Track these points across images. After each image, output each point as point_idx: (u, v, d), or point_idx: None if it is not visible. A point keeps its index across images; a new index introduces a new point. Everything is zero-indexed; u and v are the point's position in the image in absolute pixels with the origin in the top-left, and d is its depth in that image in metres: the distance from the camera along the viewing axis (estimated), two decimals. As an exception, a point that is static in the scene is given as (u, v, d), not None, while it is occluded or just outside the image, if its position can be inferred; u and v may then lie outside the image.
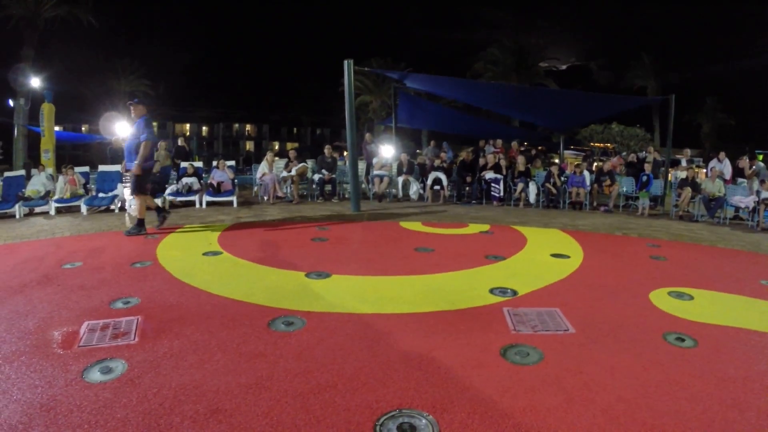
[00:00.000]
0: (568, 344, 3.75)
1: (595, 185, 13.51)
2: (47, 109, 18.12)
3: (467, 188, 14.46)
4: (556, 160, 19.72)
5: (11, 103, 28.41)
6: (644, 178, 13.30)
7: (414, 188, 14.63)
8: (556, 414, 2.78)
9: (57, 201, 12.15)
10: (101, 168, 14.23)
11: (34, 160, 23.38)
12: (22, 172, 15.47)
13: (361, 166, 15.10)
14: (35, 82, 25.37)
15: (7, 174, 13.94)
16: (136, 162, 8.30)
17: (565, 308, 4.54)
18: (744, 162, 13.86)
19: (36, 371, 3.37)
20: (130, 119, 8.61)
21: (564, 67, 45.82)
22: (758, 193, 11.46)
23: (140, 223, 8.57)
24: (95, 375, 3.28)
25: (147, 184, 8.74)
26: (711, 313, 4.69)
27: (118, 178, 13.47)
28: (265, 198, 13.82)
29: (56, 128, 20.28)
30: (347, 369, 3.30)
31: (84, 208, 11.98)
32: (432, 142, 19.46)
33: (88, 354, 3.61)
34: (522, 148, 18.51)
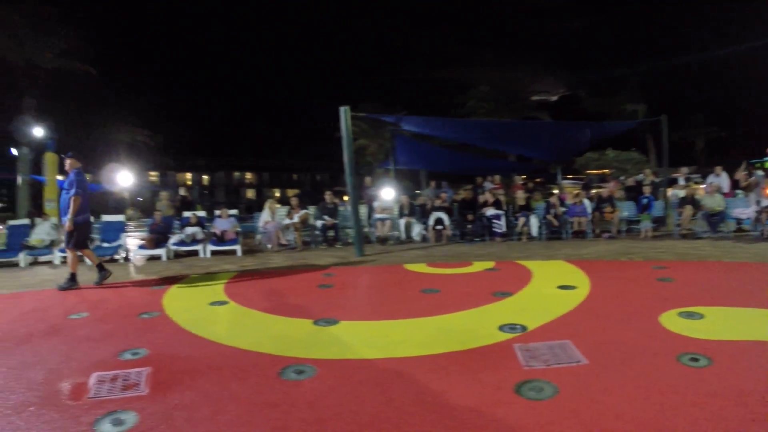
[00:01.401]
0: (582, 375, 3.73)
1: (596, 213, 13.55)
2: (50, 159, 18.31)
3: (469, 226, 14.48)
4: (556, 191, 19.77)
5: (14, 152, 28.74)
6: (645, 201, 13.37)
7: (416, 229, 14.67)
8: (575, 447, 2.72)
9: (61, 250, 12.16)
10: (104, 218, 14.36)
11: (37, 210, 23.55)
12: (27, 221, 15.53)
13: (363, 210, 15.14)
14: (38, 132, 25.66)
15: (11, 222, 14.12)
16: (68, 217, 8.27)
17: (576, 339, 4.52)
18: (740, 174, 13.92)
19: (46, 422, 3.36)
20: (64, 173, 8.53)
21: (555, 98, 46.09)
22: (759, 202, 11.51)
23: (72, 278, 8.47)
24: (106, 427, 3.27)
25: (83, 238, 8.70)
26: (723, 329, 4.69)
27: (121, 228, 13.60)
28: (269, 246, 13.85)
29: (59, 178, 20.47)
30: (361, 415, 3.28)
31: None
32: (432, 183, 19.57)
33: (99, 406, 3.59)
34: (521, 182, 18.60)
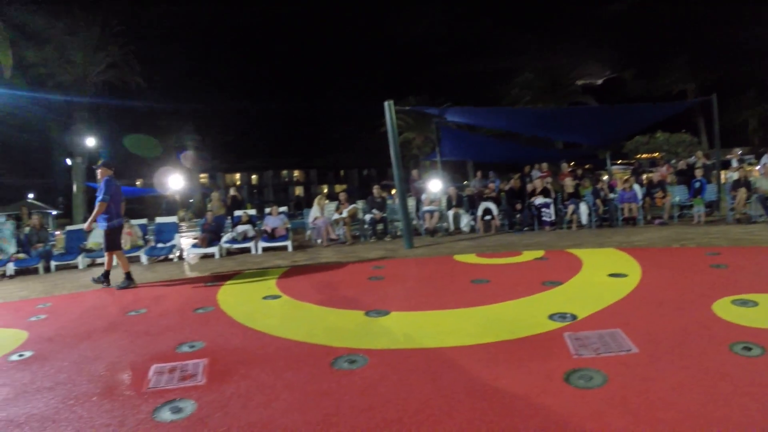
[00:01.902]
0: (632, 364, 3.71)
1: (647, 198, 13.31)
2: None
3: (518, 215, 14.41)
4: (605, 177, 19.49)
5: (69, 162, 29.88)
6: (697, 185, 13.07)
7: (465, 220, 14.66)
8: (626, 436, 2.72)
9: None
10: (158, 219, 14.87)
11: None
12: (83, 225, 16.15)
13: (411, 202, 15.20)
14: (90, 141, 26.56)
15: (69, 228, 14.70)
16: (89, 221, 8.76)
17: (627, 328, 4.50)
18: None
19: (107, 411, 3.54)
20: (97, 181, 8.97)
21: (600, 81, 45.17)
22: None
23: (128, 276, 8.85)
24: (166, 415, 3.42)
25: (117, 241, 9.09)
26: (778, 318, 4.58)
27: (174, 228, 14.03)
28: (319, 241, 14.02)
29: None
30: (412, 403, 3.34)
31: (144, 258, 12.50)
32: (479, 173, 19.50)
33: (158, 395, 3.76)
34: (569, 169, 18.35)
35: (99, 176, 8.87)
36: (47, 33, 28.69)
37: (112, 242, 8.91)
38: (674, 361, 3.74)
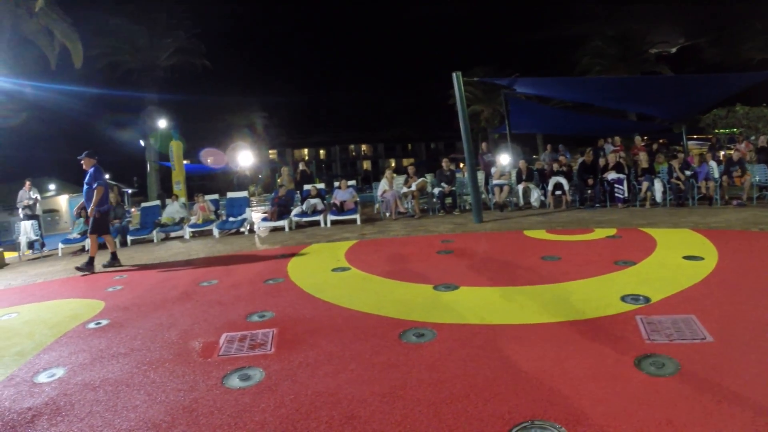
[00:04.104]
0: (706, 353, 3.62)
1: (725, 177, 12.81)
2: (176, 146, 19.75)
3: (590, 191, 14.14)
4: (680, 154, 18.87)
5: (142, 142, 31.08)
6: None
7: (535, 195, 14.49)
8: (694, 429, 2.69)
9: (191, 226, 13.18)
10: (229, 195, 15.32)
11: (166, 192, 25.49)
12: (157, 202, 16.95)
13: (480, 176, 15.10)
14: (161, 123, 27.51)
15: (144, 204, 15.41)
16: (91, 206, 9.08)
17: (702, 314, 4.38)
18: None
19: (179, 377, 3.73)
20: (83, 170, 9.44)
21: (674, 50, 43.35)
22: None
23: (90, 261, 9.08)
24: (234, 381, 3.58)
25: (105, 225, 9.52)
26: None
27: (245, 203, 14.41)
28: (387, 214, 14.14)
29: (185, 162, 21.91)
30: (479, 379, 3.39)
31: (216, 232, 12.94)
32: (549, 147, 19.16)
33: (228, 362, 3.94)
34: (643, 143, 17.80)
35: (85, 166, 9.32)
36: (113, 25, 29.75)
37: (100, 226, 9.35)
38: (750, 353, 3.61)
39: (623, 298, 5.03)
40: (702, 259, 6.58)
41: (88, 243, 10.03)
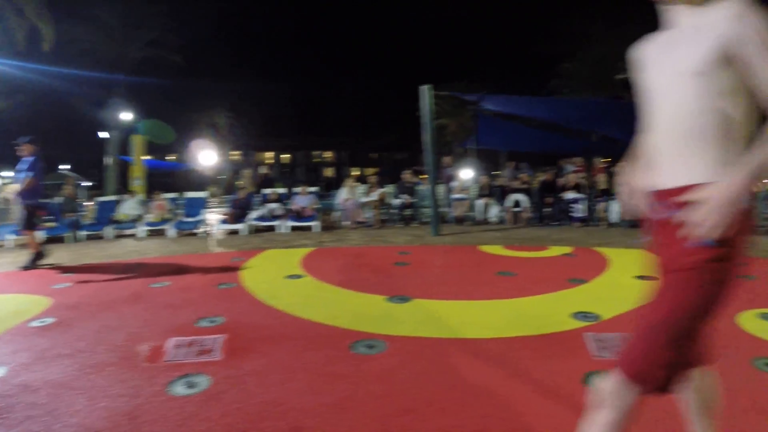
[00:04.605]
0: (654, 370, 3.64)
1: (682, 201, 13.04)
2: (138, 141, 19.27)
3: (548, 209, 14.27)
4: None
5: (104, 135, 30.45)
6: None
7: (494, 211, 14.57)
8: (641, 442, 2.69)
9: (147, 224, 12.91)
10: (187, 194, 15.03)
11: (124, 187, 25.03)
12: (114, 197, 16.58)
13: (441, 189, 15.15)
14: (125, 116, 26.98)
15: (100, 199, 15.12)
16: (16, 193, 8.71)
17: (651, 332, 4.40)
18: None
19: (123, 381, 3.61)
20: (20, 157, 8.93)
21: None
22: None
23: (36, 257, 8.74)
24: (180, 388, 3.47)
25: (32, 219, 8.96)
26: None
27: (203, 203, 14.25)
28: (347, 223, 14.06)
29: (145, 157, 21.49)
30: (428, 393, 3.35)
31: (172, 231, 12.67)
32: (511, 164, 19.34)
33: (174, 368, 3.82)
34: (603, 165, 18.10)
35: (25, 153, 8.85)
36: (89, 12, 29.23)
37: (31, 221, 8.91)
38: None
39: (574, 315, 5.05)
40: (655, 279, 6.61)
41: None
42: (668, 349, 1.83)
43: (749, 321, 4.83)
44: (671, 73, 1.84)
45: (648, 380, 1.86)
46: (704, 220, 1.68)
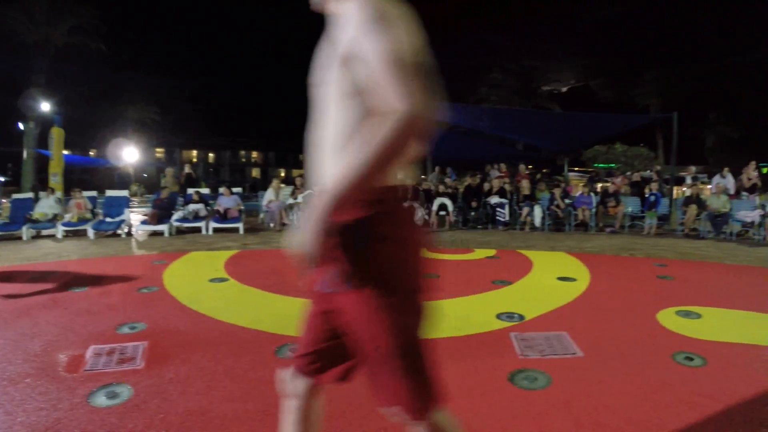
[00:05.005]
0: (577, 368, 3.74)
1: (601, 206, 13.52)
2: (57, 134, 18.33)
3: (473, 213, 14.44)
4: (562, 184, 19.79)
5: (21, 126, 28.94)
6: (652, 198, 13.30)
7: (419, 214, 14.60)
8: (566, 439, 2.73)
9: (65, 224, 12.29)
10: (108, 193, 14.42)
11: (42, 184, 23.80)
12: (31, 194, 15.71)
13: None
14: (45, 106, 25.79)
15: (15, 196, 14.17)
16: None
17: (573, 331, 4.53)
18: (751, 174, 14.17)
19: (41, 394, 3.40)
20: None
21: (565, 89, 45.72)
22: (764, 206, 11.52)
23: None
24: (101, 399, 3.30)
25: None
26: (720, 330, 4.68)
27: (125, 203, 13.66)
28: (272, 225, 13.84)
29: (65, 152, 20.57)
30: (355, 396, 3.28)
31: (91, 233, 12.10)
32: (437, 168, 19.52)
33: (94, 378, 3.63)
34: (527, 171, 18.54)
35: None
36: None
37: None
38: (618, 367, 3.77)
39: (499, 316, 5.10)
40: (575, 280, 6.85)
41: None
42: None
43: (668, 318, 5.05)
44: (323, 83, 1.64)
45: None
46: (300, 255, 1.48)
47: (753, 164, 14.68)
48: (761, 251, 9.82)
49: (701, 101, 41.77)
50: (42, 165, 26.23)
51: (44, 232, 12.42)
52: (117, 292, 6.33)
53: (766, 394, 3.35)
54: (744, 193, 14.17)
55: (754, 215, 11.62)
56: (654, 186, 13.82)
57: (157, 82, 49.22)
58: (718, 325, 4.90)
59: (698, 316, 5.15)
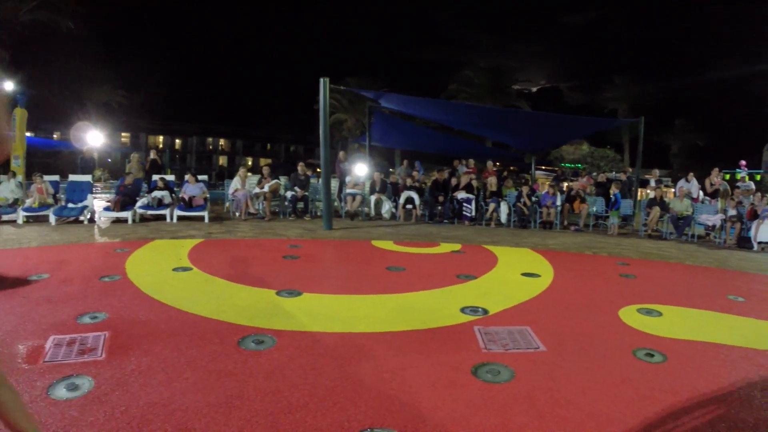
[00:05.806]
0: (539, 362, 3.77)
1: (566, 204, 13.65)
2: (19, 114, 17.86)
3: (439, 208, 14.46)
4: (529, 182, 19.97)
5: None
6: (613, 199, 13.48)
7: (386, 207, 14.63)
8: (529, 432, 2.76)
9: (25, 210, 11.96)
10: (71, 177, 14.06)
11: (3, 166, 23.15)
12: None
13: (334, 184, 15.06)
14: (8, 85, 25.18)
15: None
16: None
17: (536, 326, 4.56)
18: (715, 179, 14.51)
19: None
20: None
21: (535, 89, 46.30)
22: (726, 210, 11.78)
23: None
24: (61, 392, 3.21)
25: None
26: (680, 328, 4.78)
27: (88, 188, 13.35)
28: (237, 214, 13.71)
29: (27, 134, 20.10)
30: (318, 388, 3.28)
31: (53, 219, 11.78)
32: (405, 162, 19.53)
33: (54, 370, 3.53)
34: (495, 168, 18.65)
35: None
36: None
37: None
38: (580, 362, 3.82)
39: (463, 310, 5.12)
40: (539, 276, 6.91)
41: None
42: None
43: (630, 315, 5.14)
44: None
45: None
46: None
47: (716, 171, 15.00)
48: (720, 254, 10.03)
49: (668, 108, 42.76)
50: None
51: (4, 217, 12.08)
52: (78, 280, 6.18)
53: (725, 390, 3.42)
54: (706, 198, 14.51)
55: (715, 219, 11.87)
56: (614, 187, 14.01)
57: (126, 63, 48.36)
58: (679, 323, 4.99)
59: (659, 314, 5.25)
